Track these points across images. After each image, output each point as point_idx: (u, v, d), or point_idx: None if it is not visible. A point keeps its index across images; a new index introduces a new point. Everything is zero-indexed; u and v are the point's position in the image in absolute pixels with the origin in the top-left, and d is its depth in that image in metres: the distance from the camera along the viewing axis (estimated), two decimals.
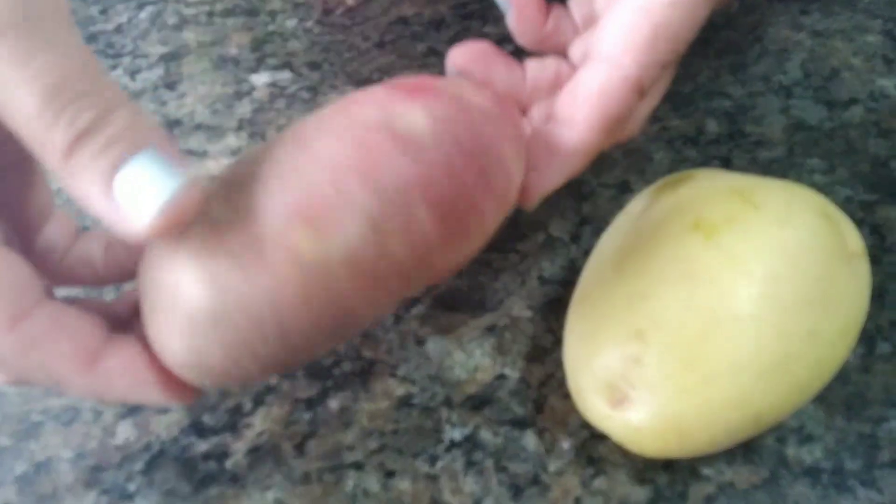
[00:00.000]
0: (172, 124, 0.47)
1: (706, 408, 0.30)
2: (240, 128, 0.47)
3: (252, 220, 0.25)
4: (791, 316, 0.30)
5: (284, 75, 0.49)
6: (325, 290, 0.25)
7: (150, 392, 0.26)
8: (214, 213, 0.25)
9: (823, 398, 0.34)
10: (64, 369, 0.25)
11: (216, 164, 0.45)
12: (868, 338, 0.36)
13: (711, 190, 0.32)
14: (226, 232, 0.25)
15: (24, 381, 0.25)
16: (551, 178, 0.31)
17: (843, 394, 0.34)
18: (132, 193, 0.22)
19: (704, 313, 0.29)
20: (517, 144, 0.30)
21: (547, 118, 0.33)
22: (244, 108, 0.47)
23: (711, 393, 0.29)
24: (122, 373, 0.25)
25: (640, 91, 0.31)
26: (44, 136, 0.22)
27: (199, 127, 0.47)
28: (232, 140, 0.46)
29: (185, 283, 0.25)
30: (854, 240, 0.32)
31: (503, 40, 0.51)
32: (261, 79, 0.49)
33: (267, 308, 0.25)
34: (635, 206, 0.35)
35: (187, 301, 0.25)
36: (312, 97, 0.47)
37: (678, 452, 0.31)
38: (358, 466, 0.33)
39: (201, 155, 0.46)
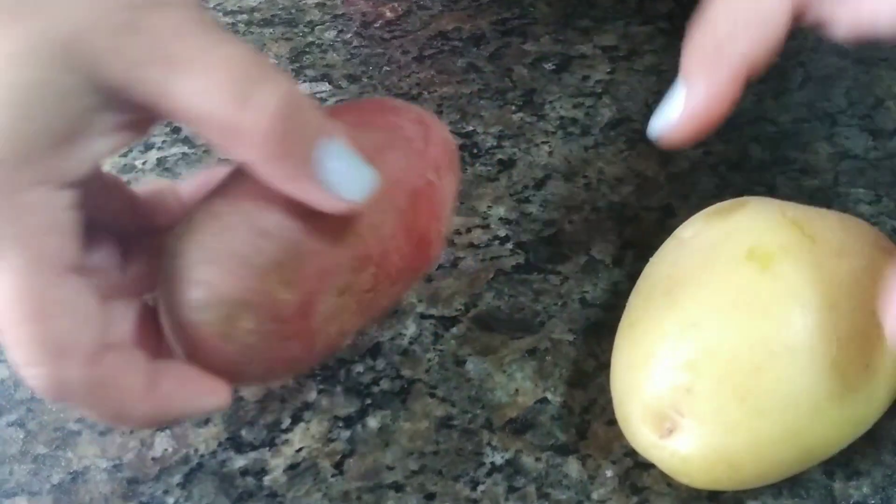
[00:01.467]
0: None
1: (757, 441, 0.29)
2: None
3: None
4: (847, 349, 0.29)
5: (323, 87, 0.49)
6: None
7: (205, 400, 0.26)
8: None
9: (871, 432, 0.33)
10: (131, 400, 0.25)
11: None
12: None
13: (765, 219, 0.32)
14: None
15: (86, 411, 0.25)
16: None
17: (891, 428, 0.34)
18: (337, 175, 0.24)
19: (758, 344, 0.29)
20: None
21: None
22: None
23: (763, 426, 0.29)
24: (178, 390, 0.25)
25: None
26: (235, 121, 0.23)
27: None
28: None
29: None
30: None
31: (542, 58, 0.50)
32: None
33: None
34: (685, 231, 0.34)
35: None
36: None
37: (726, 485, 0.30)
38: (398, 487, 0.33)
39: None
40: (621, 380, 0.32)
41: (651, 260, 0.34)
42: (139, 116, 0.25)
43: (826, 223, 0.31)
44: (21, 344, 0.23)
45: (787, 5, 0.31)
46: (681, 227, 0.35)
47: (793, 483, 0.32)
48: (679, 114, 0.30)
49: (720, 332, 0.29)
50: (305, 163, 0.24)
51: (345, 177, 0.25)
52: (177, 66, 0.23)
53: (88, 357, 0.24)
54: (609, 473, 0.33)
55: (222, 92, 0.23)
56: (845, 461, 0.33)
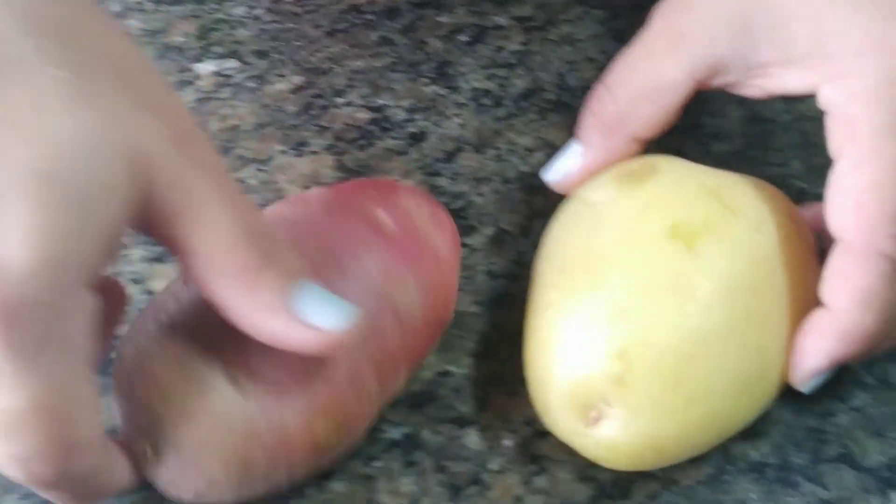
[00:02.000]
0: None
1: (685, 427, 0.29)
2: None
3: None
4: (770, 328, 0.29)
5: (231, 64, 0.47)
6: None
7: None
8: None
9: None
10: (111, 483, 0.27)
11: None
12: None
13: (683, 190, 0.31)
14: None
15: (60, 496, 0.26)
16: (811, 362, 0.30)
17: (792, 389, 0.34)
18: (313, 314, 0.26)
19: (689, 332, 0.28)
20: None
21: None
22: (187, 98, 0.46)
23: (692, 412, 0.28)
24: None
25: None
26: (232, 260, 0.25)
27: None
28: None
29: None
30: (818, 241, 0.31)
31: (456, 30, 0.50)
32: (206, 67, 0.47)
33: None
34: (594, 194, 0.33)
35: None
36: (259, 86, 0.46)
37: (646, 466, 0.30)
38: None
39: None
40: (540, 365, 0.30)
41: (556, 223, 0.33)
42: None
43: (742, 191, 0.31)
44: (28, 444, 0.23)
45: (689, 79, 0.32)
46: (586, 187, 0.34)
47: None
48: (577, 169, 0.34)
49: (651, 320, 0.28)
50: (279, 303, 0.25)
51: (322, 317, 0.26)
52: (199, 216, 0.25)
53: (98, 447, 0.25)
54: (508, 443, 0.32)
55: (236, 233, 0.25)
56: None
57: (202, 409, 0.27)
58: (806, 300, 0.30)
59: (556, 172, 0.35)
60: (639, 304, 0.28)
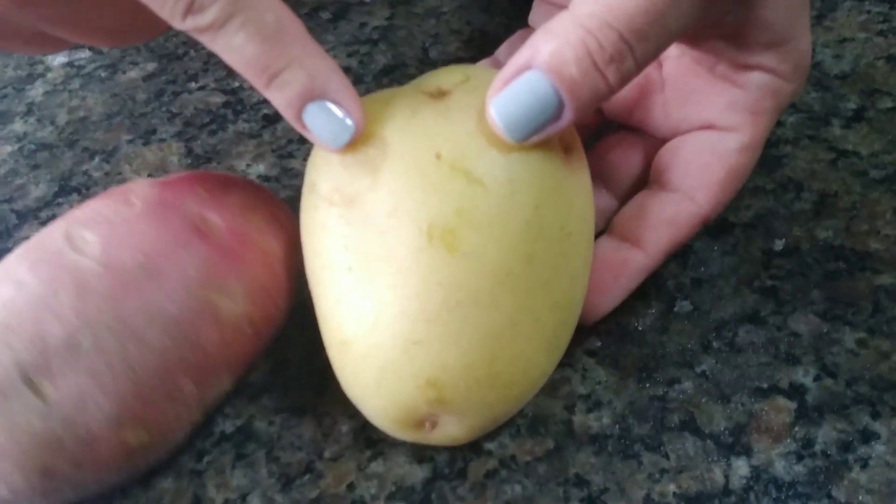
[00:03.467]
0: None
1: (512, 402, 0.29)
2: (28, 112, 0.43)
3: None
4: (560, 282, 0.28)
5: (82, 54, 0.46)
6: None
7: None
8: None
9: (617, 362, 0.33)
10: None
11: None
12: (667, 296, 0.34)
13: (422, 172, 0.27)
14: None
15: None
16: (614, 299, 0.32)
17: (637, 356, 0.33)
18: (318, 125, 0.27)
19: (487, 332, 0.26)
20: None
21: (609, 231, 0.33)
22: (35, 91, 0.44)
23: (512, 392, 0.28)
24: None
25: (706, 224, 0.33)
26: (256, 68, 0.26)
27: None
28: (18, 126, 0.43)
29: None
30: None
31: (319, 7, 0.48)
32: (57, 59, 0.46)
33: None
34: (330, 198, 0.28)
35: None
36: (111, 75, 0.44)
37: (496, 426, 0.30)
38: None
39: None
40: (353, 383, 0.28)
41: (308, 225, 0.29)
42: None
43: (483, 144, 0.27)
44: None
45: None
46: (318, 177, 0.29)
47: (533, 420, 0.31)
48: (556, 130, 0.27)
49: (446, 338, 0.26)
50: (293, 110, 0.27)
51: (326, 130, 0.27)
52: None
53: None
54: (344, 429, 0.31)
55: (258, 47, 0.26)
56: (587, 393, 0.32)
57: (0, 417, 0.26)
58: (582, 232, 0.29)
59: (522, 130, 0.27)
60: (427, 327, 0.26)
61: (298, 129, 0.27)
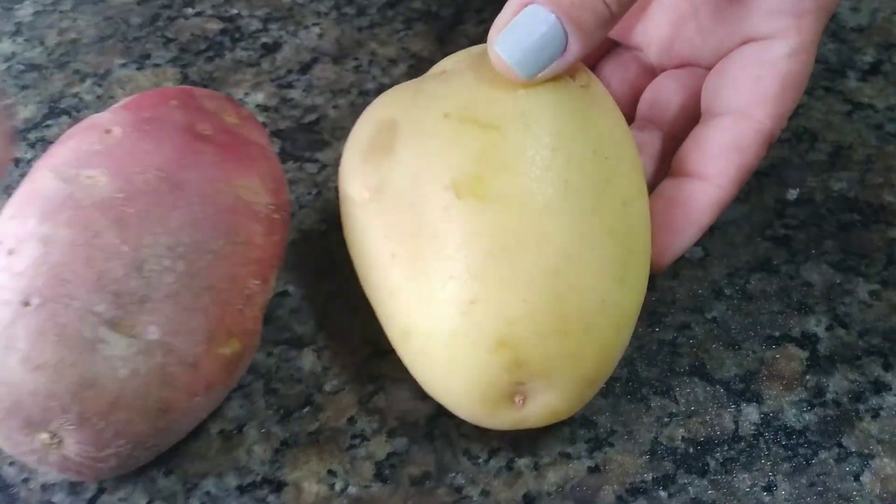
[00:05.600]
0: None
1: (596, 353, 0.26)
2: (17, 32, 0.42)
3: None
4: (624, 213, 0.26)
5: None
6: None
7: None
8: None
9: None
10: None
11: None
12: None
13: (433, 134, 0.26)
14: None
15: None
16: (688, 236, 0.29)
17: (647, 301, 0.32)
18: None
19: (546, 274, 0.25)
20: None
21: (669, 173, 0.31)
22: (24, 12, 0.42)
23: (588, 339, 0.25)
24: None
25: (772, 142, 0.30)
26: None
27: None
28: (6, 45, 0.41)
29: None
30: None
31: None
32: None
33: None
34: (352, 187, 0.28)
35: None
36: None
37: (591, 396, 0.27)
38: None
39: None
40: (426, 372, 0.27)
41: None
42: None
43: (502, 91, 0.26)
44: None
45: None
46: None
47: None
48: (565, 66, 0.26)
49: (506, 295, 0.25)
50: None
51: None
52: None
53: None
54: (345, 363, 0.30)
55: None
56: None
57: (98, 371, 0.24)
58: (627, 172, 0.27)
59: (530, 64, 0.26)
60: (478, 283, 0.25)
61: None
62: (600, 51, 0.35)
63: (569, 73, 0.27)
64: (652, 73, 0.33)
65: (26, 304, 0.24)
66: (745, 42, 0.30)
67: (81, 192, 0.25)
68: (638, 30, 0.33)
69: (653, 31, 0.33)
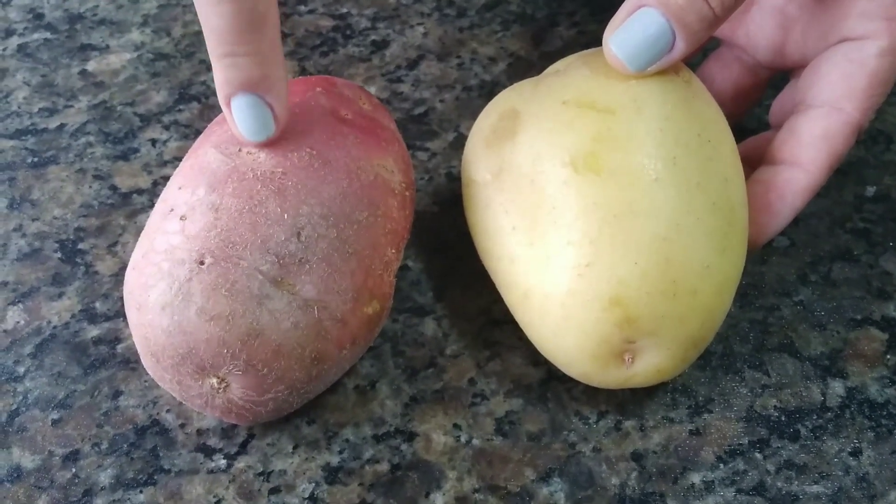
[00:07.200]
0: (75, 19, 0.46)
1: (701, 316, 0.28)
2: (144, 23, 0.45)
3: None
4: (724, 191, 0.29)
5: None
6: None
7: None
8: None
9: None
10: None
11: (118, 59, 0.43)
12: None
13: (553, 118, 0.30)
14: None
15: None
16: (782, 218, 0.32)
17: (740, 285, 0.34)
18: (241, 116, 0.28)
19: (656, 234, 0.27)
20: None
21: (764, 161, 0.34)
22: (150, 4, 0.46)
23: (697, 303, 0.28)
24: None
25: (860, 133, 0.33)
26: (223, 38, 0.27)
27: (102, 22, 0.45)
28: (136, 35, 0.44)
29: None
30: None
31: None
32: None
33: None
34: (478, 174, 0.32)
35: None
36: None
37: (695, 357, 0.30)
38: None
39: (103, 50, 0.44)
40: (542, 330, 0.29)
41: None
42: None
43: (607, 80, 0.30)
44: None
45: None
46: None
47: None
48: (669, 62, 0.29)
49: (619, 258, 0.28)
50: (224, 96, 0.28)
51: (247, 123, 0.29)
52: None
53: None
54: (462, 331, 0.33)
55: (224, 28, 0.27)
56: None
57: (264, 322, 0.27)
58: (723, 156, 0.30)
59: (641, 59, 0.29)
60: (594, 248, 0.28)
61: (224, 110, 0.29)
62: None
63: (673, 70, 0.30)
64: (754, 72, 0.37)
65: (201, 262, 0.27)
66: (840, 42, 0.33)
67: (244, 167, 0.29)
68: (740, 32, 0.36)
69: (758, 33, 0.36)
